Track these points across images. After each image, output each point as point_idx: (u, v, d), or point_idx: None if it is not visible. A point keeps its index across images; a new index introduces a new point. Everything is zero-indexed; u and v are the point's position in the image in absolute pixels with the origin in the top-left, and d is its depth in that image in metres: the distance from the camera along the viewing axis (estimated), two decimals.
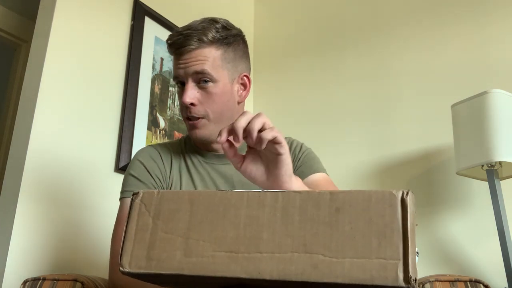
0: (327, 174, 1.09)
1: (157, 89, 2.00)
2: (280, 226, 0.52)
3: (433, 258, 1.84)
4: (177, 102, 2.10)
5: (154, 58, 2.02)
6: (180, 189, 1.03)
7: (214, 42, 0.98)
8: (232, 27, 1.03)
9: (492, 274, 1.68)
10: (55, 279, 1.04)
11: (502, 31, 1.94)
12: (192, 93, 0.98)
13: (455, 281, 0.86)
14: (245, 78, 1.07)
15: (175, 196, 0.56)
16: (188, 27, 0.99)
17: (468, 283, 0.87)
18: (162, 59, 2.07)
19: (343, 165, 2.15)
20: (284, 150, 0.74)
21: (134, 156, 1.08)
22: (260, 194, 0.54)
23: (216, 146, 1.06)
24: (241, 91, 1.06)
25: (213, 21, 1.00)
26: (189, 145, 1.11)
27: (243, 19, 2.69)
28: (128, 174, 1.05)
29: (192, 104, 0.98)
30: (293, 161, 1.08)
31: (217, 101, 0.99)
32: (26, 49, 2.60)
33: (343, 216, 0.50)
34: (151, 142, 1.90)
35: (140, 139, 1.86)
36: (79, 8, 1.75)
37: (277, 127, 0.75)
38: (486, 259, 1.73)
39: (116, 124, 1.80)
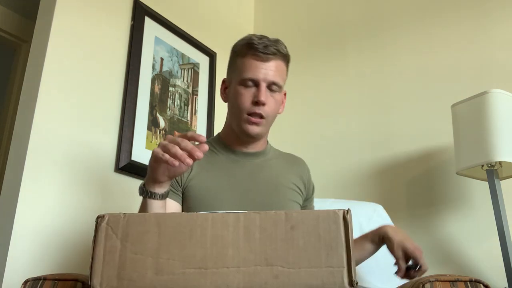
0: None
1: (157, 89, 2.00)
2: (244, 243, 0.58)
3: (433, 258, 1.84)
4: (177, 102, 2.10)
5: (154, 58, 2.02)
6: (204, 183, 1.14)
7: (286, 57, 1.18)
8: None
9: (492, 274, 1.68)
10: (56, 279, 1.04)
11: (502, 31, 1.94)
12: (266, 94, 1.13)
13: (455, 281, 0.86)
14: (283, 95, 1.24)
15: (142, 219, 0.60)
16: (263, 36, 1.15)
17: (468, 283, 0.87)
18: (162, 59, 2.07)
19: (342, 165, 2.15)
20: None
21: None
22: (223, 215, 0.60)
23: (250, 147, 1.23)
24: (281, 105, 1.24)
25: (278, 40, 1.17)
26: (215, 141, 1.25)
27: (243, 19, 2.69)
28: None
29: (263, 104, 1.13)
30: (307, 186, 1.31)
31: (275, 108, 1.17)
32: (26, 49, 2.60)
33: (297, 232, 0.58)
34: (151, 142, 1.90)
35: (140, 139, 1.86)
36: (79, 8, 1.75)
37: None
38: (486, 259, 1.73)
39: (116, 124, 1.80)
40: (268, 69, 1.13)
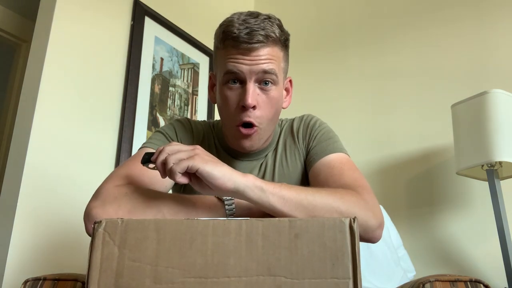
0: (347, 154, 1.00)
1: (157, 89, 2.00)
2: (245, 252, 0.55)
3: (433, 258, 1.84)
4: (177, 102, 2.10)
5: (154, 58, 2.02)
6: None
7: (280, 41, 0.92)
8: (283, 27, 0.97)
9: (492, 274, 1.68)
10: (56, 279, 1.04)
11: (502, 31, 1.94)
12: (254, 94, 0.89)
13: (455, 281, 0.86)
14: (289, 82, 1.03)
15: (141, 225, 0.58)
16: (246, 20, 0.89)
17: (468, 283, 0.87)
18: (162, 59, 2.07)
19: None
20: (195, 168, 0.71)
21: (170, 121, 1.06)
22: (225, 222, 0.57)
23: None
24: (285, 96, 1.03)
25: (270, 17, 0.92)
26: (220, 138, 1.05)
27: None
28: (158, 131, 1.02)
29: (253, 107, 0.90)
30: (308, 140, 1.03)
31: (273, 106, 0.93)
32: (26, 49, 2.60)
33: (301, 241, 0.55)
34: None
35: (140, 139, 1.86)
36: (79, 8, 1.75)
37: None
38: (486, 259, 1.73)
39: (116, 124, 1.80)
40: (254, 59, 0.88)
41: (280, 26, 0.93)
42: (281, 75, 0.95)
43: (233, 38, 0.88)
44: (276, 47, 0.92)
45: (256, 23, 0.88)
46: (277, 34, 0.91)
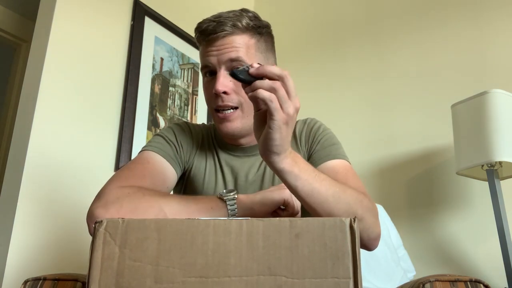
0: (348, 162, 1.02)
1: (157, 89, 2.00)
2: (246, 252, 0.56)
3: (433, 258, 1.84)
4: (177, 102, 2.10)
5: (154, 58, 2.02)
6: (205, 176, 1.02)
7: (248, 29, 0.94)
8: (261, 19, 0.99)
9: (492, 274, 1.68)
10: (56, 279, 1.04)
11: (502, 31, 1.94)
12: (225, 81, 0.92)
13: (455, 281, 0.86)
14: None
15: (142, 225, 0.58)
16: (219, 15, 0.93)
17: (468, 283, 0.87)
18: (162, 59, 2.07)
19: None
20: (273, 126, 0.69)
21: (168, 125, 1.07)
22: (225, 221, 0.57)
23: (243, 141, 1.01)
24: None
25: (243, 10, 0.96)
26: (217, 137, 1.06)
27: None
28: (157, 135, 1.02)
29: (225, 92, 0.92)
30: (311, 143, 1.05)
31: None
32: (26, 49, 2.60)
33: (302, 241, 0.56)
34: None
35: (140, 139, 1.86)
36: (79, 8, 1.75)
37: None
38: (486, 259, 1.73)
39: (116, 124, 1.80)
40: (221, 49, 0.92)
41: (251, 17, 0.95)
42: (254, 62, 0.96)
43: (201, 32, 0.93)
44: (245, 35, 0.94)
45: (227, 16, 0.93)
46: (244, 24, 0.93)
